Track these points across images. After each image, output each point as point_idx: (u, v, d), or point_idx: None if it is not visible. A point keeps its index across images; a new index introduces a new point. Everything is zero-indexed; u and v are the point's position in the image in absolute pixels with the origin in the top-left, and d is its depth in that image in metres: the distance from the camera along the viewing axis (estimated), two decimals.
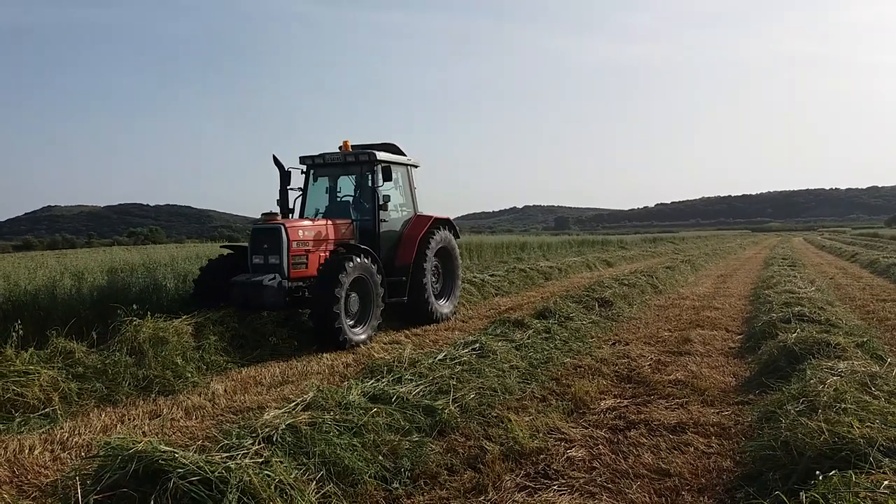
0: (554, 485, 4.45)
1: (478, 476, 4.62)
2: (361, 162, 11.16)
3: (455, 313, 12.63)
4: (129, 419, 6.18)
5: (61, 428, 5.77)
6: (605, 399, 6.46)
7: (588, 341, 9.34)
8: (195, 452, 4.07)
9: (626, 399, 6.48)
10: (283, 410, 5.16)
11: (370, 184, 11.12)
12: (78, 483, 3.59)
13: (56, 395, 6.37)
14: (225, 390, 7.18)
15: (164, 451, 3.80)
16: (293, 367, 8.26)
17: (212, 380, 7.56)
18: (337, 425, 4.94)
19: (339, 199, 11.77)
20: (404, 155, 12.19)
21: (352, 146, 11.68)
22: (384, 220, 11.15)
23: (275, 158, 10.93)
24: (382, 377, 6.42)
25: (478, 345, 7.86)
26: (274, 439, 4.48)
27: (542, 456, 4.94)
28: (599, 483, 4.48)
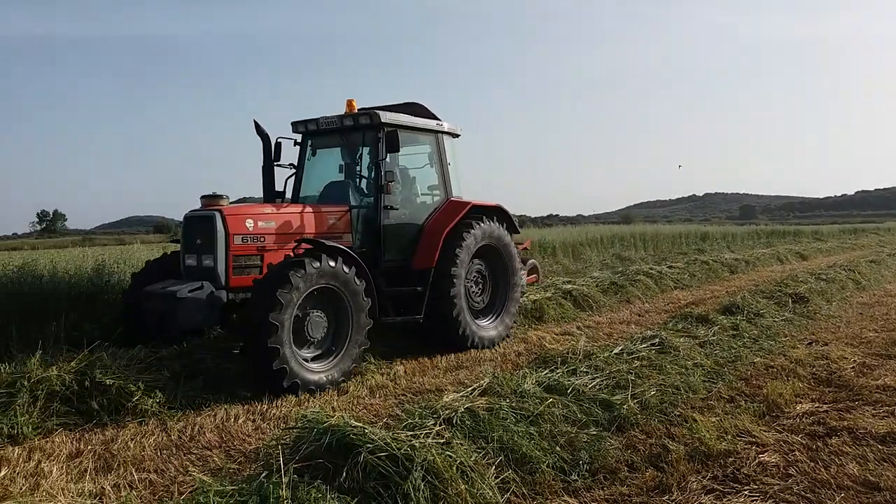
0: (745, 490, 4.18)
1: (660, 475, 4.44)
2: (363, 127, 8.30)
3: (507, 337, 9.17)
4: (319, 395, 6.60)
5: (260, 400, 6.29)
6: (801, 403, 5.96)
7: (780, 340, 8.68)
8: (381, 429, 4.29)
9: (826, 404, 5.93)
10: (460, 394, 5.30)
11: (376, 156, 8.20)
12: (281, 452, 3.88)
13: None
14: (405, 371, 7.49)
15: (354, 427, 4.03)
16: (467, 351, 8.43)
17: (394, 361, 7.89)
18: (513, 412, 4.99)
19: (344, 179, 8.91)
20: (435, 119, 9.15)
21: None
22: (391, 207, 8.20)
23: (256, 126, 8.53)
24: (556, 368, 6.37)
25: (657, 340, 7.57)
26: (454, 422, 4.61)
27: (730, 459, 4.66)
28: (796, 492, 4.15)
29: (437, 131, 9.05)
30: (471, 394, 5.32)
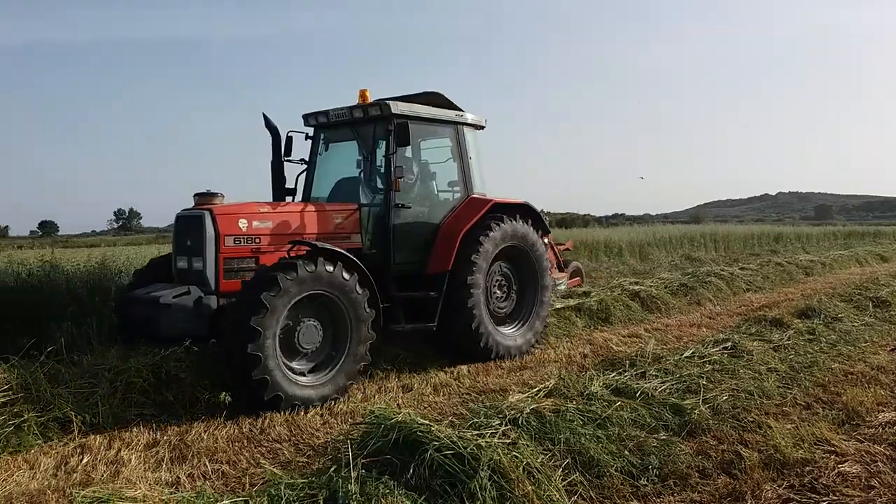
0: (823, 500, 4.02)
1: (733, 482, 4.31)
2: (373, 118, 7.68)
3: (534, 346, 8.48)
4: (385, 391, 6.68)
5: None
6: (883, 412, 5.68)
7: (861, 346, 8.30)
8: (447, 427, 4.29)
9: None
10: (526, 395, 5.27)
11: (387, 150, 7.54)
12: (349, 447, 3.93)
13: None
14: (469, 371, 7.49)
15: (421, 424, 4.06)
16: (530, 353, 8.37)
17: (457, 360, 7.89)
18: (580, 415, 4.92)
19: (357, 175, 8.27)
20: (457, 109, 8.50)
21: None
22: (402, 206, 7.58)
23: (265, 119, 8.06)
24: (625, 371, 6.26)
25: (730, 343, 7.35)
26: (519, 422, 4.58)
27: (807, 468, 4.48)
28: None
29: (457, 122, 8.36)
30: (536, 395, 5.28)
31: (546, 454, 4.29)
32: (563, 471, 4.18)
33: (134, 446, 5.04)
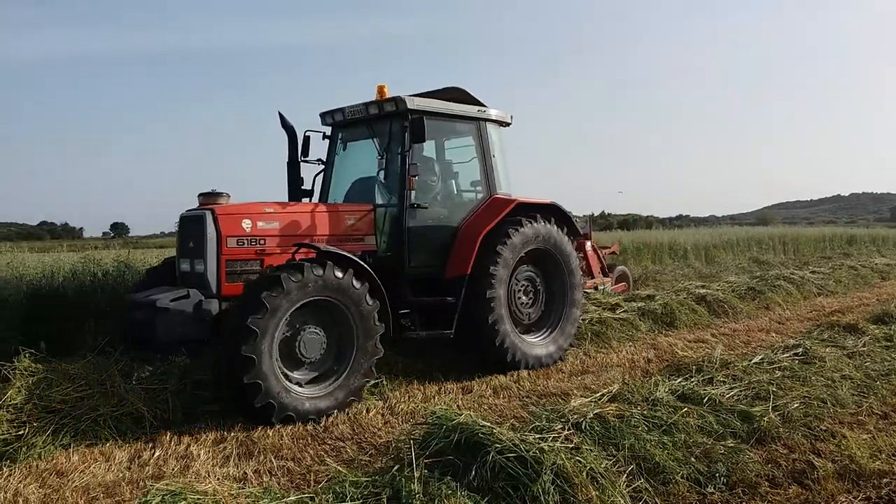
0: None
1: (805, 493, 4.16)
2: (388, 115, 7.36)
3: (562, 358, 8.00)
4: (444, 392, 6.69)
5: (388, 396, 6.45)
6: None
7: None
8: (508, 430, 4.28)
9: None
10: (589, 399, 5.21)
11: (401, 148, 7.23)
12: (412, 447, 3.96)
13: (384, 368, 7.11)
14: (528, 374, 7.44)
15: (482, 426, 4.06)
16: (592, 357, 8.26)
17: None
18: (645, 420, 4.85)
19: (374, 174, 7.72)
20: (479, 104, 8.09)
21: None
22: (418, 206, 7.23)
23: (281, 118, 7.76)
24: (691, 376, 6.12)
25: (801, 349, 7.10)
26: (582, 427, 4.53)
27: (885, 480, 4.29)
28: None
29: (479, 119, 7.97)
30: (599, 399, 5.22)
31: (610, 460, 4.23)
32: (627, 477, 4.12)
33: (202, 442, 5.19)
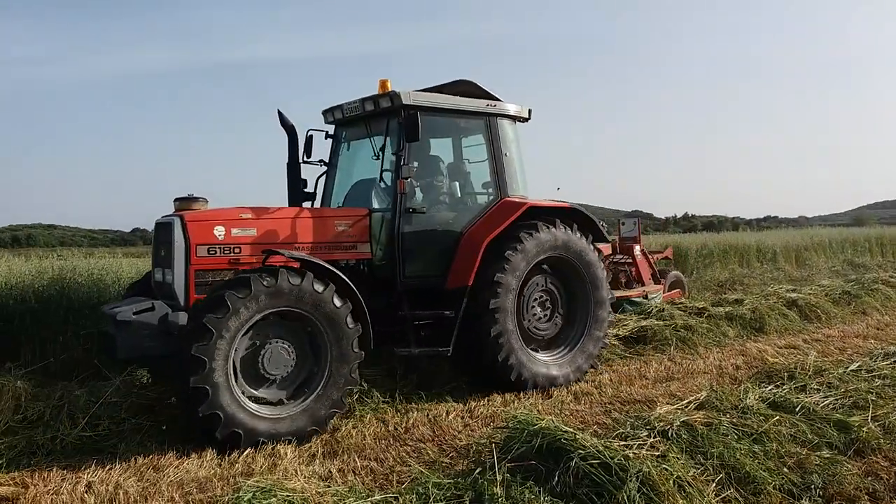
0: None
1: None
2: (385, 111, 6.78)
3: (580, 379, 7.17)
4: (524, 397, 6.65)
5: (469, 398, 6.47)
6: None
7: None
8: (591, 436, 4.23)
9: None
10: (675, 407, 5.10)
11: (395, 147, 6.66)
12: (494, 450, 3.96)
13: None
14: (611, 380, 7.31)
15: (565, 431, 4.03)
16: (678, 364, 8.04)
17: (596, 369, 7.71)
18: (735, 429, 4.71)
19: (373, 176, 7.18)
20: (492, 98, 7.37)
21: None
22: (413, 210, 6.63)
23: (280, 116, 7.12)
24: (783, 384, 5.91)
25: None
26: (669, 434, 4.43)
27: None
28: None
29: (489, 114, 7.22)
30: (686, 407, 5.09)
31: (698, 468, 4.12)
32: (716, 486, 4.00)
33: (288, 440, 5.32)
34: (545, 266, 7.14)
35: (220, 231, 5.86)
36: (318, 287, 5.34)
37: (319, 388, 5.42)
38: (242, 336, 5.15)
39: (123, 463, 4.82)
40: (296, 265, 5.60)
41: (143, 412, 5.68)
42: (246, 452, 5.02)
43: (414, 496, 3.64)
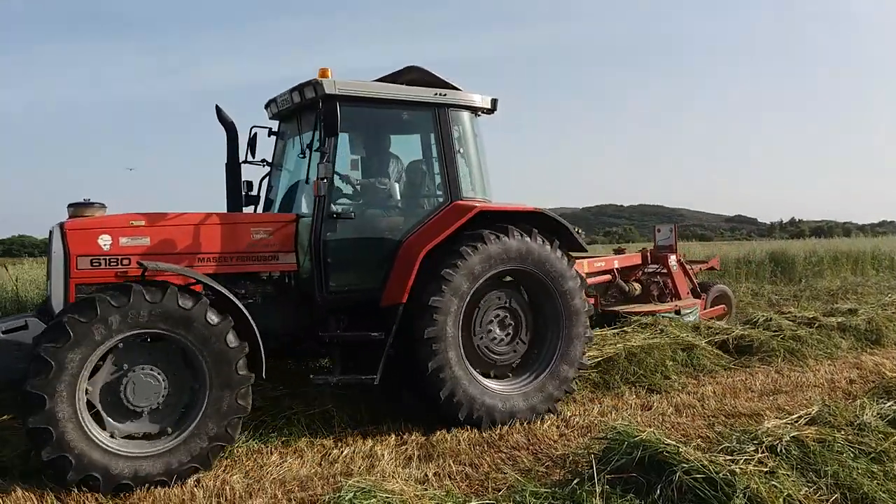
0: None
1: None
2: (311, 102, 5.94)
3: (552, 411, 6.13)
4: (622, 408, 6.50)
5: (563, 409, 6.37)
6: None
7: None
8: (695, 450, 4.08)
9: None
10: (784, 421, 4.87)
11: (314, 143, 5.88)
12: (593, 462, 3.89)
13: None
14: (714, 392, 7.04)
15: (668, 444, 3.92)
16: (785, 376, 7.66)
17: (698, 381, 7.48)
18: (850, 447, 4.44)
19: (305, 178, 6.10)
20: (447, 86, 6.38)
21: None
22: (339, 216, 5.76)
23: (218, 112, 6.38)
24: None
25: None
26: (778, 450, 4.23)
27: None
28: None
29: (437, 104, 6.20)
30: (796, 421, 4.84)
31: (810, 486, 3.92)
32: None
33: (386, 443, 5.42)
34: (510, 279, 6.29)
35: (105, 240, 5.17)
36: (186, 302, 4.58)
37: (198, 419, 4.66)
38: (102, 362, 4.51)
39: (229, 460, 5.01)
40: (179, 280, 4.91)
41: (251, 412, 5.93)
42: (345, 453, 5.14)
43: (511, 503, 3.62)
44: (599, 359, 7.38)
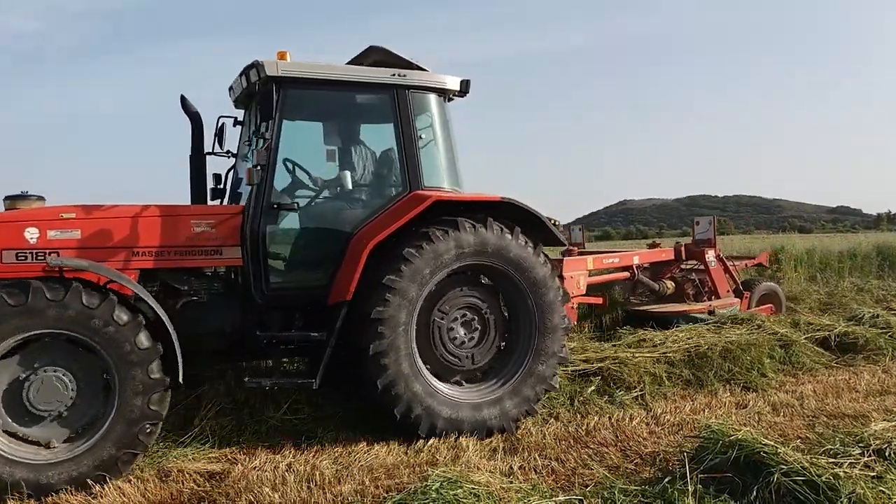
0: None
1: None
2: (253, 86, 5.62)
3: (513, 421, 5.52)
4: (715, 406, 6.27)
5: (652, 406, 6.21)
6: None
7: None
8: (794, 451, 3.91)
9: None
10: (893, 424, 4.58)
11: (259, 130, 5.61)
12: (685, 460, 3.78)
13: (647, 377, 6.86)
14: (814, 392, 6.72)
15: (765, 444, 3.77)
16: (893, 376, 7.22)
17: (797, 379, 7.14)
18: None
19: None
20: (411, 67, 5.90)
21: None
22: (279, 206, 5.42)
23: (183, 101, 6.00)
24: None
25: None
26: (886, 454, 4.01)
27: None
28: None
29: (395, 86, 5.71)
30: None
31: None
32: None
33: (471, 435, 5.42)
34: (484, 278, 5.85)
35: (32, 234, 4.90)
36: (91, 300, 4.33)
37: (106, 425, 4.39)
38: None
39: (319, 446, 5.15)
40: (94, 277, 4.70)
41: (339, 401, 6.04)
42: (430, 443, 5.16)
43: (599, 500, 3.57)
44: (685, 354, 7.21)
